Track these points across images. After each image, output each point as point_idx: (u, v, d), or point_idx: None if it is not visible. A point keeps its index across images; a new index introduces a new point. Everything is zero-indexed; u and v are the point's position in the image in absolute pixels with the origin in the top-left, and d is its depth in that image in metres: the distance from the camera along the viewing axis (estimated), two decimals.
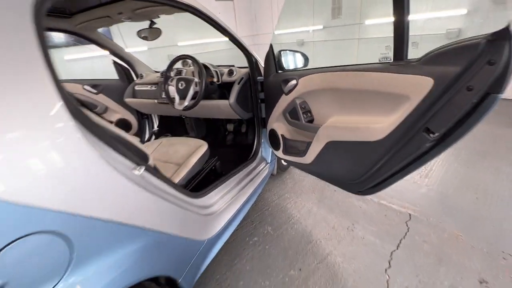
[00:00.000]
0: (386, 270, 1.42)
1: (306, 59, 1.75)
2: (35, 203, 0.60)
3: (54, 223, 0.63)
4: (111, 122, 2.42)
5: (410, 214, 1.80)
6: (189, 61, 1.88)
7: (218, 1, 6.50)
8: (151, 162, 1.05)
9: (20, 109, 0.58)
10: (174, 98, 1.74)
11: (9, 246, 0.56)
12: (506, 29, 0.68)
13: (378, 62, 1.05)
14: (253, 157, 1.91)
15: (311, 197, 2.11)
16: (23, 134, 0.59)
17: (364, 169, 1.15)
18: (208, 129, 2.52)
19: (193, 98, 1.70)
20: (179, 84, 1.72)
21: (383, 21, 4.74)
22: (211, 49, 6.20)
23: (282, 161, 2.21)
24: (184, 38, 5.82)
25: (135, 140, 0.99)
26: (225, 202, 1.47)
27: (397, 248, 1.55)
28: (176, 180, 1.37)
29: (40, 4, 0.65)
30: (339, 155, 1.25)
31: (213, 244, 1.35)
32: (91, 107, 2.30)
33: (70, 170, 0.66)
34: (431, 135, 0.87)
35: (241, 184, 1.67)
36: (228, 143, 2.39)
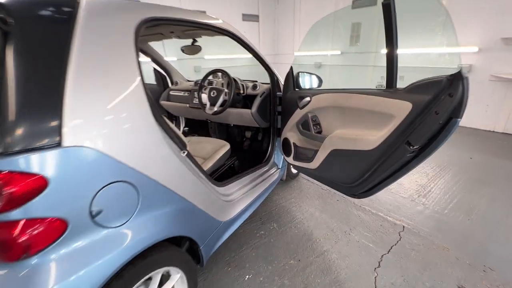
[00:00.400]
0: (375, 269, 1.61)
1: (320, 81, 2.04)
2: (122, 160, 0.89)
3: (131, 177, 0.92)
4: None
5: (404, 226, 1.98)
6: (219, 74, 2.23)
7: (245, 21, 7.03)
8: (188, 149, 1.34)
9: (120, 97, 0.90)
10: (206, 104, 2.06)
11: (106, 186, 0.85)
12: (460, 72, 0.94)
13: (375, 88, 1.32)
14: (266, 161, 2.17)
15: (315, 203, 2.32)
16: (123, 112, 0.90)
17: (360, 173, 1.39)
18: (228, 134, 2.82)
19: (221, 105, 2.01)
20: (211, 93, 2.04)
21: (398, 52, 5.02)
22: (235, 64, 6.67)
23: (291, 167, 2.45)
24: (211, 52, 6.31)
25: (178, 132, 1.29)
26: (240, 195, 1.73)
27: (388, 253, 1.73)
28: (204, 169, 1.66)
29: (138, 30, 0.98)
30: (340, 161, 1.50)
31: (227, 228, 1.59)
32: None
33: (145, 143, 0.96)
34: (411, 147, 1.12)
35: (254, 182, 1.93)
36: (245, 148, 2.67)
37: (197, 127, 2.91)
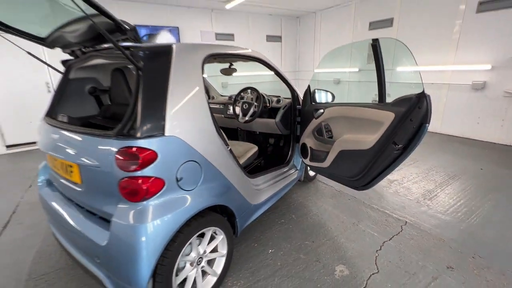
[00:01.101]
0: (377, 251, 1.94)
1: (333, 96, 2.47)
2: (194, 147, 1.37)
3: (199, 159, 1.40)
4: None
5: (406, 221, 2.28)
6: (249, 90, 2.73)
7: (269, 42, 7.68)
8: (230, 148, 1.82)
9: (195, 107, 1.39)
10: (239, 114, 2.56)
11: (185, 163, 1.33)
12: (423, 92, 1.34)
13: (371, 102, 1.73)
14: (287, 163, 2.59)
15: (329, 201, 2.68)
16: (194, 122, 1.39)
17: (360, 168, 1.77)
18: (255, 140, 3.29)
19: (251, 115, 2.50)
20: (244, 106, 2.55)
21: (411, 69, 5.32)
22: (257, 80, 7.27)
23: (308, 168, 2.84)
24: (242, 69, 6.97)
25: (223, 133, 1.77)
26: (265, 186, 2.16)
27: (389, 240, 2.05)
28: None
29: (204, 61, 1.50)
30: (346, 160, 1.89)
31: (255, 210, 2.01)
32: None
33: (207, 138, 1.45)
34: (396, 145, 1.50)
35: (276, 178, 2.35)
36: (269, 152, 3.12)
37: (229, 134, 3.41)
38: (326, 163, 2.10)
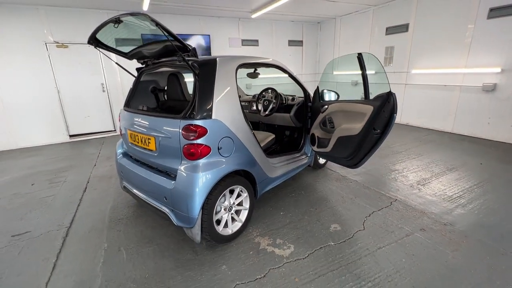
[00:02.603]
0: (366, 217, 2.45)
1: (337, 95, 3.00)
2: (230, 128, 2.02)
3: (232, 136, 2.05)
4: None
5: (396, 199, 2.76)
6: (269, 90, 3.35)
7: (291, 46, 8.24)
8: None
9: (230, 100, 2.04)
10: (260, 110, 3.20)
11: (224, 138, 1.99)
12: (390, 91, 1.87)
13: (360, 99, 2.28)
14: (299, 149, 3.17)
15: (334, 183, 3.22)
16: (230, 110, 2.04)
17: (352, 150, 2.31)
18: (273, 132, 3.89)
19: (270, 110, 3.12)
20: (265, 102, 3.17)
21: (426, 71, 5.61)
22: (277, 82, 7.85)
23: (318, 156, 3.39)
24: (263, 73, 7.62)
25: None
26: (280, 165, 2.75)
27: (378, 210, 2.55)
28: None
29: (237, 69, 2.14)
30: (342, 144, 2.44)
31: (271, 182, 2.61)
32: None
33: (238, 122, 2.09)
34: (376, 130, 2.03)
35: (289, 161, 2.94)
36: (284, 141, 3.71)
37: (254, 126, 4.06)
38: (328, 148, 2.66)
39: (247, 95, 4.07)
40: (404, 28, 5.92)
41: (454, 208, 2.56)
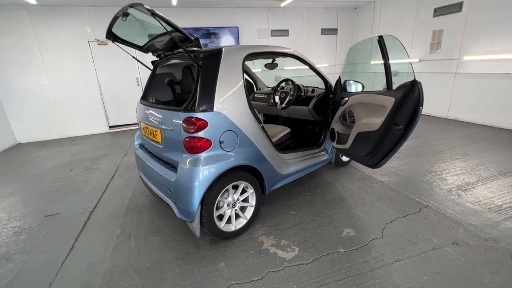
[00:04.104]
0: (387, 223, 2.18)
1: (363, 86, 2.70)
2: (233, 121, 1.93)
3: (236, 129, 1.95)
4: None
5: (427, 205, 2.40)
6: (287, 82, 3.16)
7: (324, 35, 7.77)
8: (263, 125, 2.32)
9: (235, 93, 1.94)
10: (277, 102, 3.04)
11: (226, 131, 1.91)
12: (415, 79, 1.56)
13: (382, 90, 1.98)
14: (319, 145, 2.95)
15: (356, 183, 2.94)
16: (234, 103, 1.94)
17: (372, 147, 2.04)
18: (293, 125, 3.70)
19: (287, 103, 2.94)
20: (281, 95, 3.01)
21: (483, 58, 4.79)
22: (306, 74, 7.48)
23: (340, 154, 3.13)
24: (289, 64, 7.35)
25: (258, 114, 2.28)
26: (294, 161, 2.59)
27: (403, 217, 2.25)
28: None
29: (244, 59, 2.02)
30: (361, 140, 2.18)
31: (282, 178, 2.47)
32: None
33: (243, 115, 1.99)
34: (397, 126, 1.75)
35: (306, 157, 2.75)
36: (304, 135, 3.50)
37: (271, 120, 3.92)
38: (347, 145, 2.41)
39: (268, 87, 3.92)
40: (456, 7, 5.11)
41: (502, 221, 2.13)
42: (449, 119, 5.55)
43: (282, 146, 2.84)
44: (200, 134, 1.81)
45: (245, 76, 3.87)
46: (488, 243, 1.90)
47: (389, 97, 1.77)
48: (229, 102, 1.93)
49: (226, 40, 6.70)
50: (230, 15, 6.67)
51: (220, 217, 2.05)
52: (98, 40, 5.83)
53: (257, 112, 2.20)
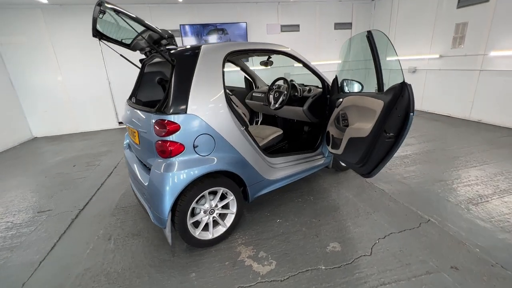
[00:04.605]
0: (379, 239, 1.97)
1: (361, 86, 2.47)
2: (209, 123, 1.81)
3: (212, 133, 1.83)
4: None
5: (429, 220, 2.16)
6: (281, 80, 2.98)
7: (337, 30, 7.41)
8: (252, 129, 2.18)
9: (212, 94, 1.82)
10: (271, 102, 2.88)
11: (201, 135, 1.79)
12: (404, 81, 1.34)
13: (374, 91, 1.76)
14: (315, 149, 2.77)
15: (353, 190, 2.72)
16: (211, 105, 1.82)
17: (362, 155, 1.84)
18: (290, 127, 3.53)
19: (280, 103, 2.77)
20: (275, 94, 2.84)
21: (394, 58, 4.30)
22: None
23: (338, 159, 2.92)
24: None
25: (245, 118, 2.14)
26: (283, 166, 2.43)
27: (398, 232, 2.03)
28: (259, 144, 2.48)
29: (225, 58, 1.89)
30: (353, 146, 1.98)
31: (269, 184, 2.32)
32: None
33: (221, 117, 1.86)
34: (387, 134, 1.54)
35: (298, 161, 2.58)
36: (303, 137, 3.31)
37: (270, 120, 3.76)
38: (340, 150, 2.21)
39: (267, 85, 3.75)
40: None
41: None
42: (471, 121, 5.07)
43: (273, 149, 2.69)
44: (172, 137, 1.71)
45: (244, 74, 3.74)
46: (495, 269, 1.65)
47: (379, 101, 1.56)
48: (205, 104, 1.82)
49: (234, 37, 6.57)
50: (238, 10, 6.52)
51: (197, 224, 1.96)
52: None
53: (242, 114, 2.07)
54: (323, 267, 1.74)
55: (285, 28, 6.97)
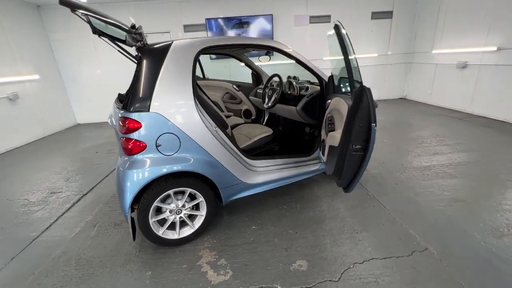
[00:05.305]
0: (354, 263, 1.71)
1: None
2: (174, 122, 1.75)
3: (177, 132, 1.77)
4: (240, 110, 3.77)
5: (427, 248, 1.80)
6: (277, 77, 2.76)
7: (374, 19, 6.70)
8: (228, 130, 2.08)
9: (179, 93, 1.75)
10: (265, 100, 2.71)
11: (164, 134, 1.75)
12: (362, 85, 1.08)
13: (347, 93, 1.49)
14: (309, 153, 2.54)
15: (348, 202, 2.43)
16: (179, 101, 1.76)
17: (336, 166, 1.59)
18: (291, 127, 3.29)
19: (273, 102, 2.59)
20: (269, 92, 2.66)
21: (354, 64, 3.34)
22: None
23: None
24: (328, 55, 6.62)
25: (224, 117, 2.04)
26: (267, 170, 2.28)
27: (381, 259, 1.74)
28: (243, 144, 2.35)
29: (197, 56, 1.79)
30: (331, 155, 1.73)
31: (248, 188, 2.20)
32: (232, 98, 3.73)
33: (188, 117, 1.79)
34: (353, 146, 1.29)
35: (287, 165, 2.39)
36: (303, 139, 3.07)
37: (274, 118, 3.58)
38: (324, 158, 1.98)
39: None
40: None
41: None
42: None
43: (260, 150, 2.53)
44: (133, 135, 1.70)
45: (250, 70, 3.60)
46: None
47: (345, 103, 1.31)
48: (171, 103, 1.76)
49: (258, 30, 6.40)
50: (264, 2, 6.31)
51: (163, 222, 1.96)
52: None
53: (220, 113, 1.98)
54: (279, 287, 1.58)
55: (314, 19, 6.54)
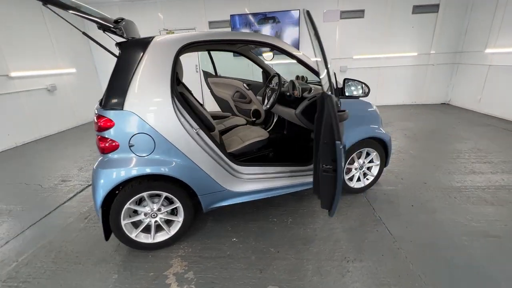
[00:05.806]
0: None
1: (368, 89, 1.84)
2: (149, 122, 1.66)
3: (152, 133, 1.67)
4: (250, 110, 3.59)
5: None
6: (277, 76, 2.51)
7: (416, 14, 6.00)
8: (215, 132, 1.93)
9: (157, 92, 1.64)
10: (265, 100, 2.50)
11: (138, 134, 1.66)
12: (323, 92, 0.82)
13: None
14: (308, 162, 2.27)
15: (348, 222, 2.13)
16: (156, 100, 1.65)
17: (315, 187, 1.34)
18: (296, 132, 2.99)
19: (271, 103, 2.37)
20: (269, 92, 2.44)
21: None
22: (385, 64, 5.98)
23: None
24: (360, 53, 6.09)
25: (211, 119, 1.90)
26: (256, 177, 2.08)
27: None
28: (233, 148, 2.19)
29: (178, 53, 1.67)
30: (314, 171, 1.48)
31: (233, 196, 2.02)
32: (243, 97, 3.57)
33: (164, 117, 1.68)
34: (323, 166, 1.04)
35: (279, 174, 2.17)
36: (309, 147, 2.79)
37: (282, 120, 3.32)
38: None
39: (285, 80, 3.30)
40: None
41: None
42: None
43: (252, 156, 2.33)
44: (106, 134, 1.65)
45: (260, 68, 3.39)
46: None
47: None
48: (146, 102, 1.67)
49: (285, 26, 6.12)
50: None
51: (139, 224, 1.89)
52: (167, 30, 6.46)
53: (206, 114, 1.84)
54: None
55: (346, 14, 6.06)
